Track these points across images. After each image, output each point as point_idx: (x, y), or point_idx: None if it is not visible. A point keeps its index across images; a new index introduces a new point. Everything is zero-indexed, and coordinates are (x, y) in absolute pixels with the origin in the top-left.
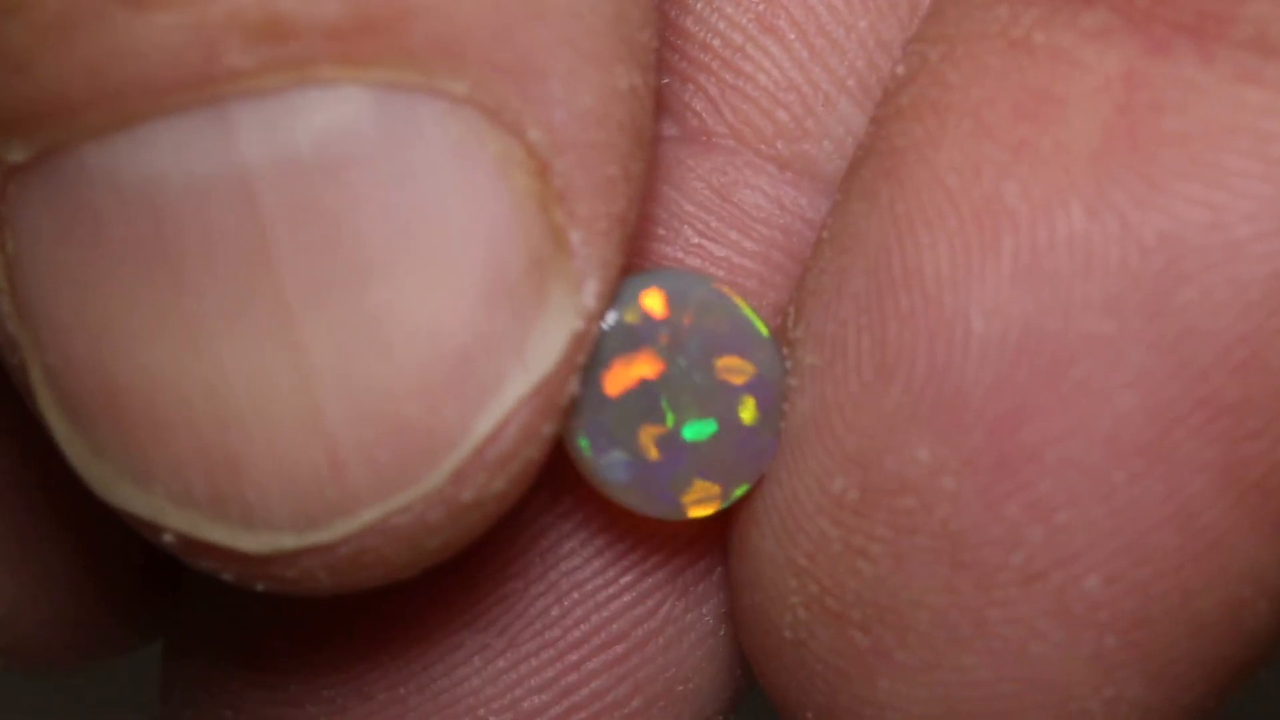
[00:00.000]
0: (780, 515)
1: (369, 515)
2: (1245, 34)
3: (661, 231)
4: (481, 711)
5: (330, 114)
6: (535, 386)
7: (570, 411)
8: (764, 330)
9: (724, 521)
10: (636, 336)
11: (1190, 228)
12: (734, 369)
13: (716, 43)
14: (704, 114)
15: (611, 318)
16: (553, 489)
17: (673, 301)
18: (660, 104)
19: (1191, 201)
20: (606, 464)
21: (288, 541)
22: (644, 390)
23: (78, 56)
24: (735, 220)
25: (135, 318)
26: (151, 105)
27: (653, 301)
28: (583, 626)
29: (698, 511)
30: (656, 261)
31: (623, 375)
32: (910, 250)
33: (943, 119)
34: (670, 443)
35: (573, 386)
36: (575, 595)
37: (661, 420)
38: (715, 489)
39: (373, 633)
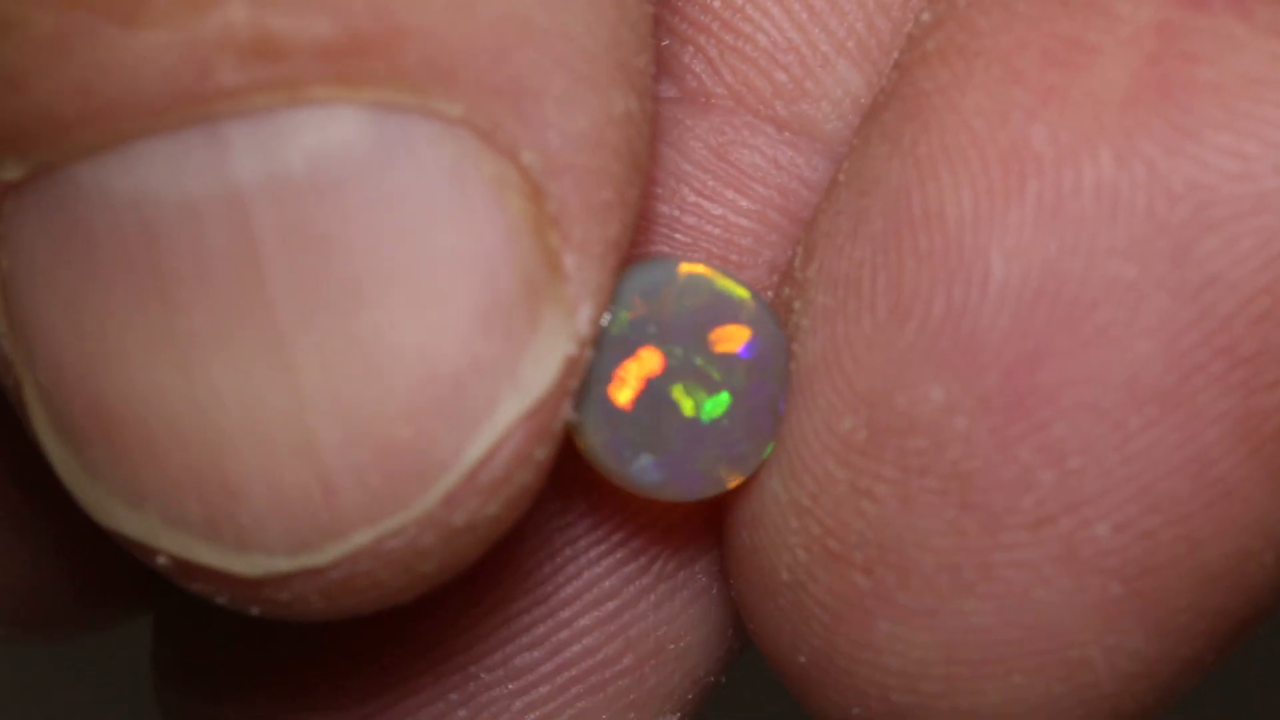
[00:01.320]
0: (786, 454)
1: (361, 539)
2: None
3: (659, 190)
4: (473, 668)
5: (323, 134)
6: (528, 410)
7: (581, 432)
8: (741, 291)
9: None
10: (627, 341)
11: (1219, 177)
12: (728, 337)
13: (716, 3)
14: (703, 75)
15: (605, 335)
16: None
17: (646, 296)
18: (660, 66)
19: (1222, 151)
20: (638, 470)
21: (280, 564)
22: (653, 389)
23: (70, 75)
24: (732, 179)
25: (128, 337)
26: (144, 124)
27: (633, 308)
28: (574, 583)
29: (734, 480)
30: (654, 222)
31: (628, 382)
32: (932, 191)
33: (970, 64)
34: (692, 429)
35: (566, 411)
36: (567, 551)
37: (678, 411)
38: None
39: None
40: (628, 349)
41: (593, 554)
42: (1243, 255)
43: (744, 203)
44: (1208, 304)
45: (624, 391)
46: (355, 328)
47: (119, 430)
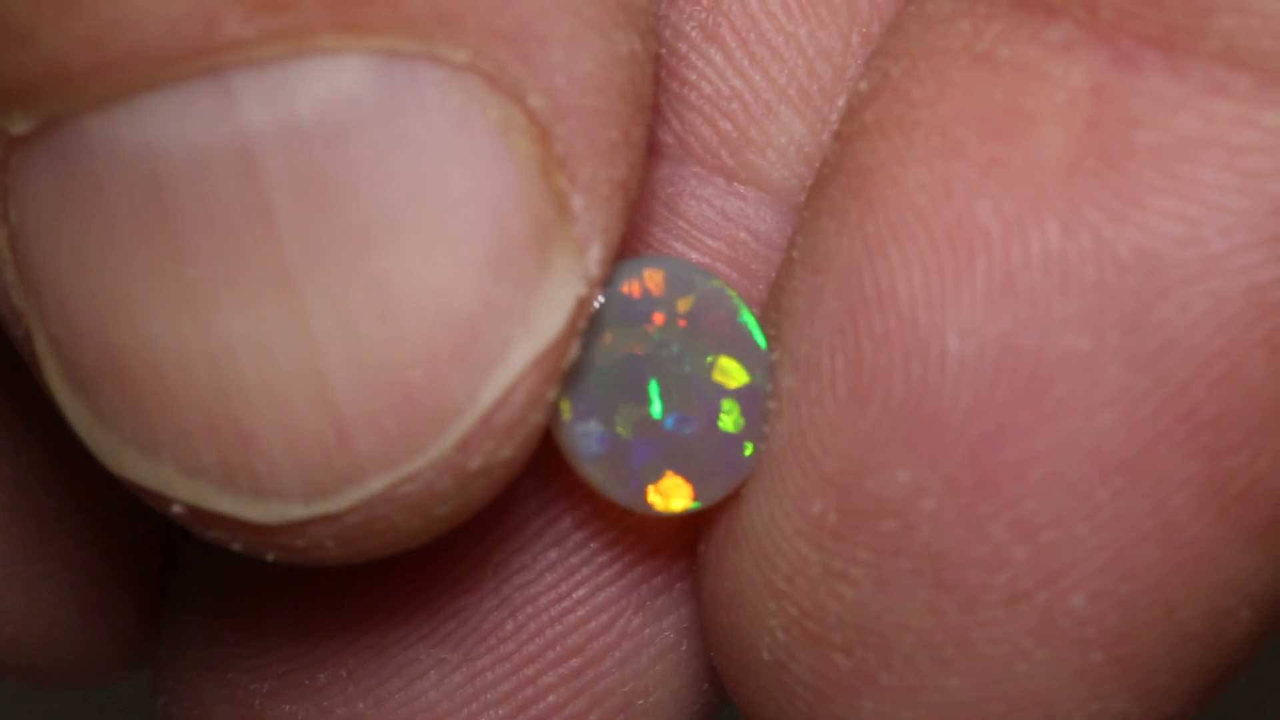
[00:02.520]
0: (758, 537)
1: (377, 484)
2: (1214, 46)
3: None
4: None
5: (331, 82)
6: (541, 353)
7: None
8: (763, 343)
9: (681, 537)
10: (631, 310)
11: (1166, 243)
12: (729, 372)
13: (661, 50)
14: (650, 123)
15: (610, 289)
16: (504, 504)
17: (671, 284)
18: None
19: (1167, 216)
20: (581, 432)
21: (296, 511)
22: (631, 366)
23: (78, 28)
24: (681, 232)
25: (139, 287)
26: (152, 76)
27: (653, 280)
28: (537, 640)
29: (663, 506)
30: None
31: (613, 346)
32: (882, 270)
33: (909, 136)
34: (648, 427)
35: (574, 351)
36: (529, 609)
37: (645, 403)
38: (687, 488)
39: (330, 649)
40: (628, 317)
41: (555, 611)
42: (1196, 320)
43: (694, 256)
44: (1165, 371)
45: (606, 352)
46: (366, 274)
47: (132, 379)
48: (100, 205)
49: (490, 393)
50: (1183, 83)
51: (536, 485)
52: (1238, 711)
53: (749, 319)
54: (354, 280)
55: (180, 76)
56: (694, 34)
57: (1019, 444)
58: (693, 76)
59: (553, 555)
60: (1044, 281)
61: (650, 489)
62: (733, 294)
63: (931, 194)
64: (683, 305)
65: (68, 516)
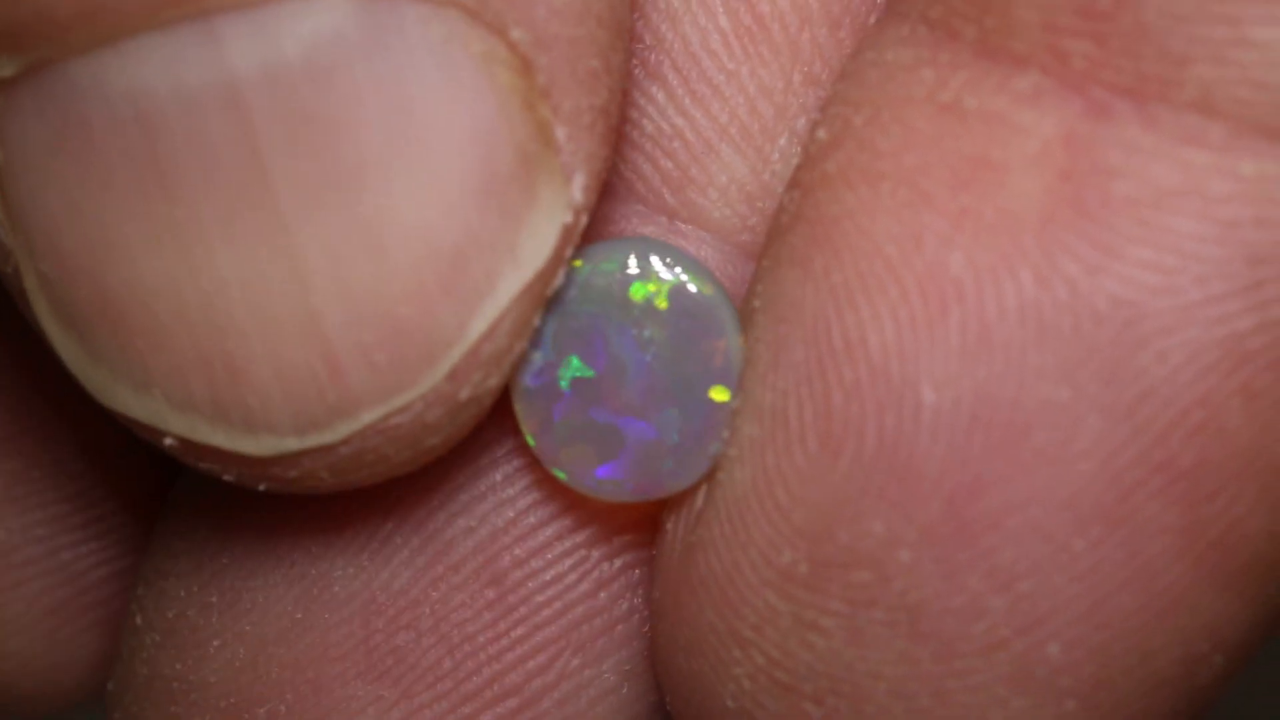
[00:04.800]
0: (720, 585)
1: (369, 416)
2: (1189, 96)
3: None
4: None
5: (316, 21)
6: (528, 282)
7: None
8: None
9: (622, 578)
10: (629, 277)
11: (1143, 293)
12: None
13: None
14: None
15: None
16: (442, 543)
17: (669, 257)
18: None
19: (1143, 266)
20: (529, 363)
21: (289, 444)
22: (597, 324)
23: None
24: None
25: (129, 227)
26: (137, 20)
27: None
28: (475, 679)
29: (565, 477)
30: None
31: (591, 298)
32: (851, 321)
33: (876, 187)
34: (587, 390)
35: (560, 279)
36: (467, 648)
37: (595, 365)
38: (594, 465)
39: (270, 684)
40: (624, 265)
41: (492, 650)
42: (1173, 370)
43: None
44: (1142, 421)
45: (587, 297)
46: (355, 210)
47: (123, 317)
48: (89, 147)
49: (479, 324)
50: (1156, 132)
51: (473, 524)
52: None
53: (731, 316)
54: (342, 217)
55: (166, 21)
56: (636, 71)
57: (996, 494)
58: (634, 114)
59: (490, 594)
60: (1019, 332)
61: (562, 450)
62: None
63: (901, 245)
64: (671, 286)
65: (20, 547)
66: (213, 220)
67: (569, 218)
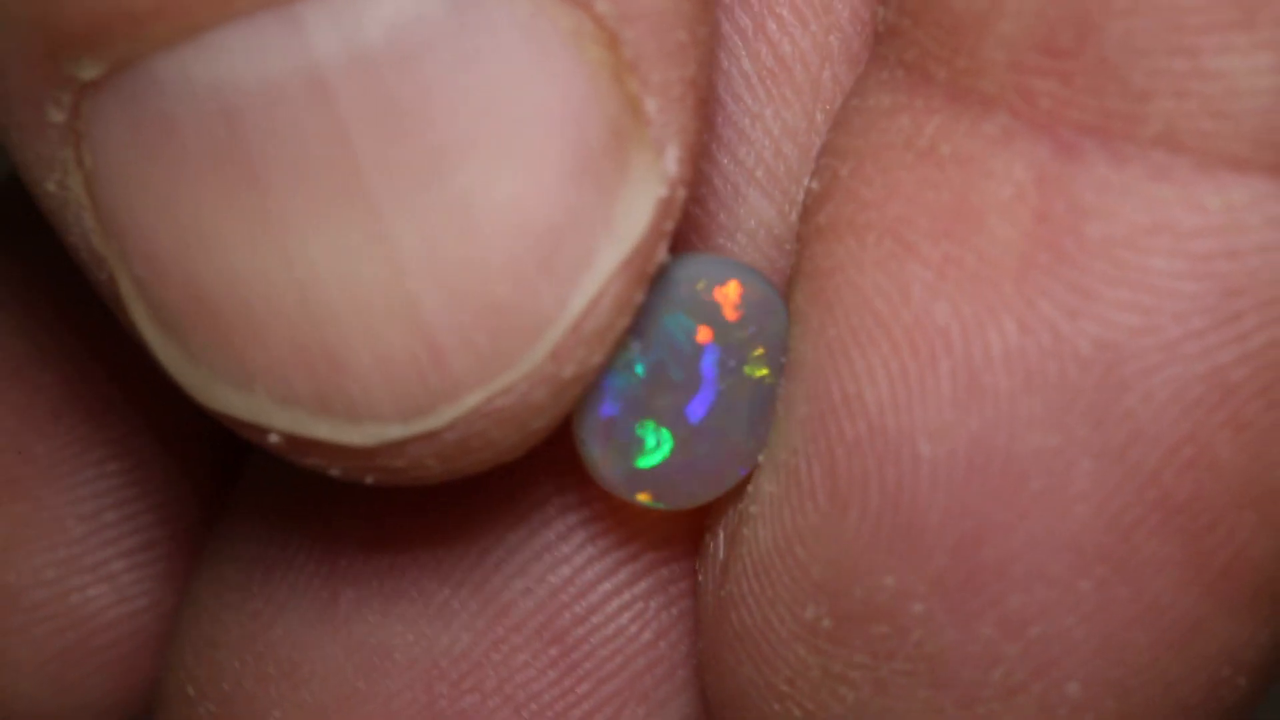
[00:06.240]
0: (755, 641)
1: (473, 399)
2: (1154, 131)
3: None
4: None
5: (398, 5)
6: (627, 257)
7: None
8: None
9: (682, 626)
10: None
11: (1124, 333)
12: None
13: None
14: None
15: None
16: (503, 600)
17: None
18: None
19: (1122, 307)
20: (620, 363)
21: (394, 432)
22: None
23: None
24: None
25: (221, 224)
26: (219, 12)
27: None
28: None
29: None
30: None
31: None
32: (847, 376)
33: (862, 239)
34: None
35: (661, 254)
36: (533, 706)
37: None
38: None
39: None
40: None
41: (559, 706)
42: (1160, 409)
43: None
44: (1134, 461)
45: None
46: (448, 192)
47: (221, 315)
48: (175, 144)
49: (579, 300)
50: (1125, 170)
51: (531, 584)
52: None
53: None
54: (435, 200)
55: (247, 10)
56: None
57: (998, 543)
58: None
59: (552, 652)
60: (1007, 381)
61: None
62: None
63: (889, 298)
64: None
65: (29, 590)
66: (304, 210)
67: (664, 190)
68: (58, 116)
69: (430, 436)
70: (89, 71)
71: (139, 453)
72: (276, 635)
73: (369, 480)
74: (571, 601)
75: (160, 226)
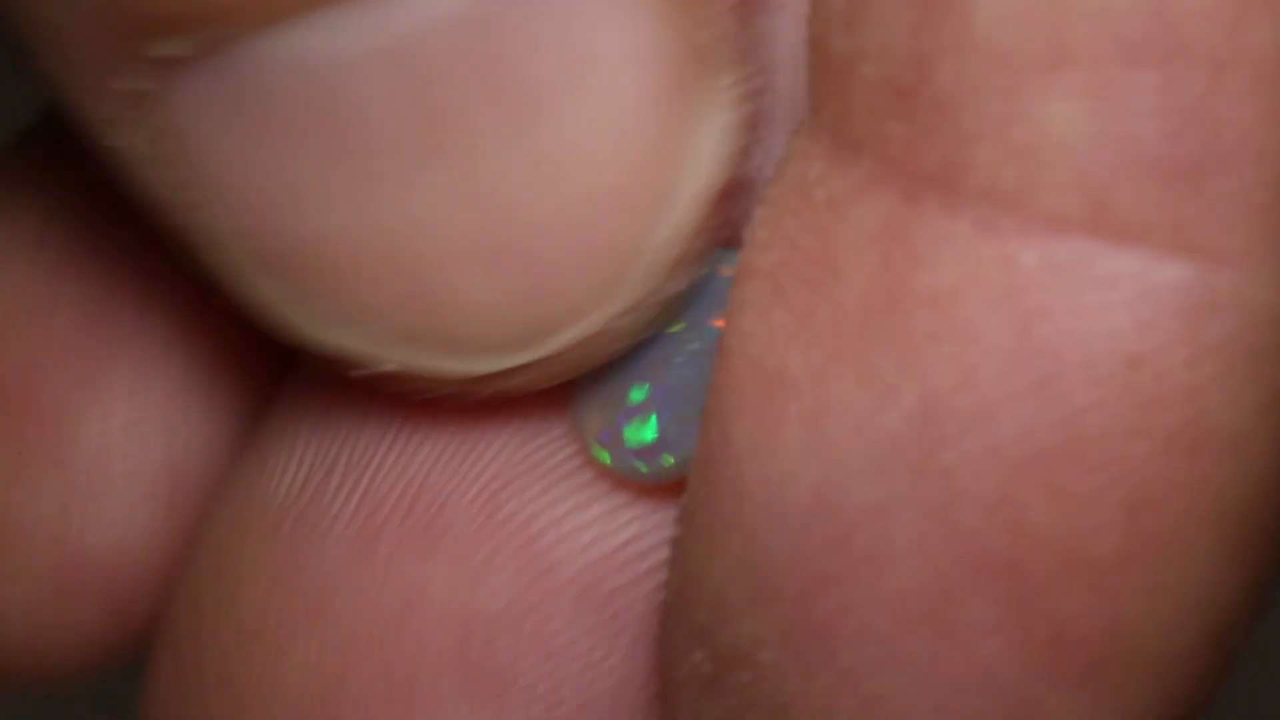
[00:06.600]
0: (665, 681)
1: (580, 328)
2: (980, 180)
3: None
4: None
5: None
6: (706, 184)
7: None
8: None
9: None
10: None
11: (944, 389)
12: None
13: None
14: None
15: None
16: (548, 561)
17: None
18: None
19: (943, 362)
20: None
21: (506, 361)
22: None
23: None
24: None
25: (317, 184)
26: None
27: None
28: (572, 684)
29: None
30: None
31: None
32: (722, 420)
33: (746, 284)
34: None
35: (741, 165)
36: (568, 667)
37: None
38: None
39: (358, 691)
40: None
41: (595, 671)
42: (977, 468)
43: None
44: (955, 520)
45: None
46: (535, 140)
47: (325, 264)
48: (268, 113)
49: (663, 233)
50: (955, 219)
51: (575, 551)
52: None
53: None
54: (524, 148)
55: None
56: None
57: (833, 595)
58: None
59: (591, 619)
60: (841, 432)
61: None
62: None
63: (759, 343)
64: None
65: (26, 518)
66: (396, 170)
67: (732, 113)
68: (139, 86)
69: (540, 362)
70: (175, 50)
71: (153, 389)
72: (309, 573)
73: (480, 396)
74: (615, 571)
75: (256, 187)
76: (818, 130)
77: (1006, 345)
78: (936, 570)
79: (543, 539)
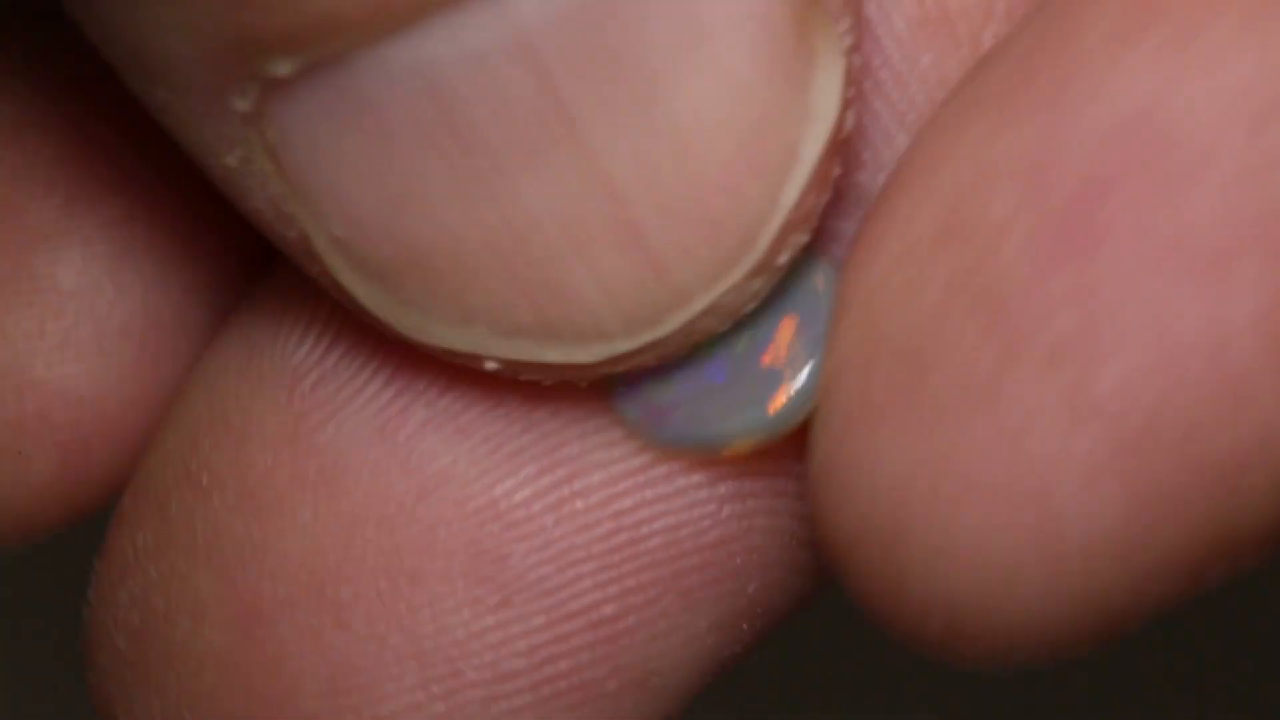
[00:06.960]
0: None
1: (697, 305)
2: None
3: None
4: (460, 664)
5: None
6: (827, 139)
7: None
8: None
9: (743, 541)
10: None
11: None
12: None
13: None
14: None
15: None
16: (572, 467)
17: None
18: None
19: None
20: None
21: (621, 346)
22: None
23: None
24: None
25: (430, 186)
26: (421, 10)
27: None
28: (578, 601)
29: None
30: None
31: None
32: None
33: None
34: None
35: (849, 121)
36: (577, 570)
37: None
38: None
39: (363, 566)
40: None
41: (601, 578)
42: None
43: None
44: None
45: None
46: (656, 119)
47: (433, 266)
48: (377, 121)
49: (790, 193)
50: None
51: (602, 463)
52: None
53: None
54: (645, 129)
55: (452, 2)
56: None
57: (1114, 205)
58: None
59: (607, 527)
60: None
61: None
62: None
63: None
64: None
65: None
66: (516, 164)
67: (845, 62)
68: (243, 105)
69: (656, 344)
70: (282, 69)
71: (136, 236)
72: (325, 438)
73: (585, 383)
74: (638, 488)
75: (362, 193)
76: None
77: None
78: (1230, 215)
79: (570, 446)
